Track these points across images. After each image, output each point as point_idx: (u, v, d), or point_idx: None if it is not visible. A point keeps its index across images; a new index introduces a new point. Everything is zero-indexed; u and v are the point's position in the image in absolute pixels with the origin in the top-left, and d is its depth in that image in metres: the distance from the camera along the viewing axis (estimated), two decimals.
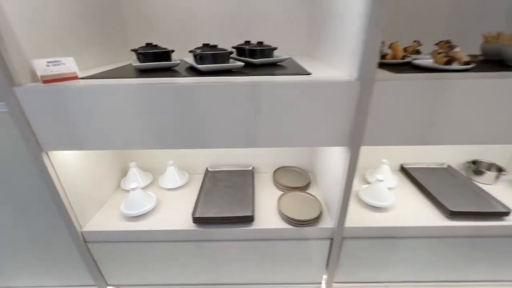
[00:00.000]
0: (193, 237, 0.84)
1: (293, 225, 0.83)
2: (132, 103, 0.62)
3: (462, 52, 0.71)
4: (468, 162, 1.08)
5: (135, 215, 0.87)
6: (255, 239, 0.84)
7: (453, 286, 0.95)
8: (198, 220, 0.83)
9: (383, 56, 0.84)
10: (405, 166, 1.11)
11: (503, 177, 1.03)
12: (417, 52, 0.94)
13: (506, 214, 0.83)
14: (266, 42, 0.85)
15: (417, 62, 0.75)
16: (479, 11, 0.99)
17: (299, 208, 0.87)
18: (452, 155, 1.13)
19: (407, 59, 0.81)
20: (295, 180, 1.02)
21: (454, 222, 0.83)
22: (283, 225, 0.84)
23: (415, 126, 0.65)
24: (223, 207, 0.88)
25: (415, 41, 1.00)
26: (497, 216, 0.84)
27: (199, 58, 0.75)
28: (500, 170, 1.04)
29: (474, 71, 0.69)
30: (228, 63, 0.76)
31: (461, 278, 0.93)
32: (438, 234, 0.84)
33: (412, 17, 1.02)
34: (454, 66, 0.70)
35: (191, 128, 0.65)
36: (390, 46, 0.86)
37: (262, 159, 1.14)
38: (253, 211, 0.86)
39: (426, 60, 0.76)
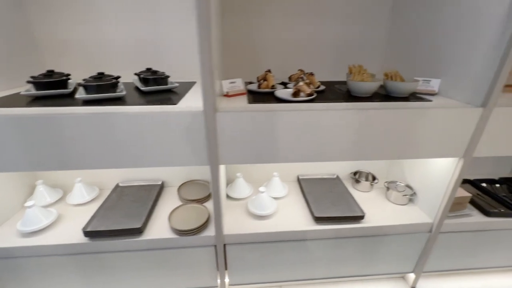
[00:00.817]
0: (82, 250, 0.90)
1: (178, 235, 0.93)
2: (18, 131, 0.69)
3: (305, 85, 0.86)
4: (351, 173, 1.26)
5: (30, 231, 0.92)
6: (144, 249, 0.93)
7: (331, 282, 1.10)
8: (88, 234, 0.90)
9: (259, 85, 0.98)
10: (300, 177, 1.26)
11: (376, 185, 1.21)
12: (302, 79, 1.09)
13: (361, 217, 0.99)
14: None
15: (276, 93, 0.89)
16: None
17: (189, 219, 0.97)
18: (343, 167, 1.30)
19: (275, 87, 0.96)
20: (196, 193, 1.13)
21: (318, 226, 0.98)
22: (171, 235, 0.93)
23: (258, 147, 0.78)
24: (117, 221, 0.96)
25: (299, 70, 1.16)
26: (354, 220, 0.99)
27: (84, 88, 0.83)
28: (374, 178, 1.22)
29: (316, 101, 0.84)
30: (115, 92, 0.86)
31: (335, 274, 1.08)
32: (306, 237, 0.98)
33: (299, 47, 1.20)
34: (300, 97, 0.85)
35: (63, 152, 0.73)
36: (265, 75, 1.01)
37: (174, 173, 1.23)
38: (144, 223, 0.94)
39: (283, 91, 0.91)
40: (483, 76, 0.77)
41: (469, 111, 0.79)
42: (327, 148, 0.80)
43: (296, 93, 0.85)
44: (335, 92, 0.98)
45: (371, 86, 0.88)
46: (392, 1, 1.18)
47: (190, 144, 0.76)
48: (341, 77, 1.09)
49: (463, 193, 1.03)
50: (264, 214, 1.01)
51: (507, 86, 0.99)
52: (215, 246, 0.95)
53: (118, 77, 1.00)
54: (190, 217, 0.99)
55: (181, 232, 0.92)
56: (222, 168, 0.85)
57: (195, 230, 0.92)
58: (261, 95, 0.92)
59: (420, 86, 0.95)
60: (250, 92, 0.96)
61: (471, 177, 1.28)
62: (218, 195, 0.84)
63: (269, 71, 1.13)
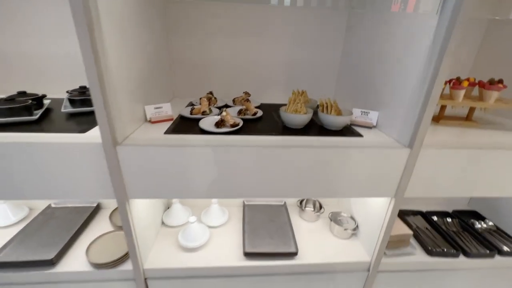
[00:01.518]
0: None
1: (95, 268, 0.87)
2: None
3: (228, 115, 0.81)
4: (298, 200, 1.21)
5: (194, 246, 0.96)
6: (56, 282, 0.87)
7: None
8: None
9: (192, 110, 0.93)
10: (246, 203, 1.20)
11: (322, 215, 1.16)
12: (247, 101, 1.05)
13: (294, 254, 0.94)
14: None
15: (200, 122, 0.83)
16: None
17: (112, 249, 0.91)
18: None
19: (207, 113, 0.91)
20: None
21: (247, 262, 0.92)
22: (87, 267, 0.87)
23: (168, 183, 0.72)
24: (33, 249, 0.89)
25: (245, 92, 1.12)
26: (287, 256, 0.94)
27: None
28: (321, 207, 1.17)
29: (241, 133, 0.79)
30: (31, 115, 0.81)
31: None
32: (234, 274, 0.92)
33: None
34: (225, 127, 0.80)
35: None
36: (200, 99, 0.96)
37: None
38: (59, 253, 0.88)
39: (208, 120, 0.86)
40: (410, 114, 0.72)
41: (396, 152, 0.74)
42: (244, 185, 0.75)
43: (220, 123, 0.80)
44: (270, 120, 0.93)
45: (302, 119, 0.83)
46: (345, 27, 1.15)
47: (95, 177, 0.70)
48: None
49: (405, 230, 0.98)
50: (193, 246, 0.95)
51: (445, 118, 0.96)
52: (134, 280, 0.89)
53: (43, 96, 0.95)
54: (113, 247, 0.92)
55: (97, 265, 0.86)
56: (135, 202, 0.80)
57: (111, 264, 0.86)
58: (190, 122, 0.87)
59: (359, 117, 0.90)
60: (181, 118, 0.91)
61: (425, 208, 1.23)
62: (130, 232, 0.78)
63: (210, 93, 1.08)
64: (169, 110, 0.88)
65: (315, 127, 0.87)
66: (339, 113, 0.87)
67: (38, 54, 1.07)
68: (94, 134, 0.71)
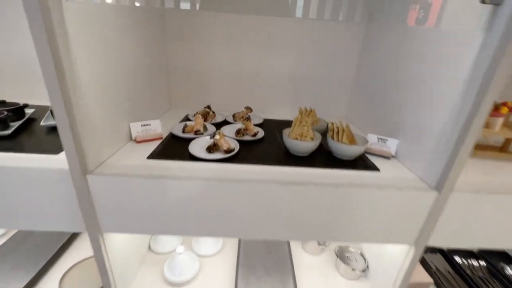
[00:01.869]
0: None
1: None
2: None
3: (222, 139, 0.70)
4: None
5: (180, 281, 0.85)
6: None
7: None
8: None
9: (184, 128, 0.83)
10: None
11: (328, 247, 1.03)
12: (245, 118, 0.94)
13: None
14: None
15: (190, 146, 0.73)
16: None
17: (91, 279, 0.82)
18: None
19: (201, 132, 0.81)
20: None
21: None
22: None
23: (146, 218, 0.62)
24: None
25: (246, 107, 1.01)
26: None
27: None
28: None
29: (236, 161, 0.68)
30: (3, 129, 0.73)
31: None
32: None
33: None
34: (216, 155, 0.69)
35: None
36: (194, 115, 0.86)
37: None
38: (29, 283, 0.79)
39: (199, 141, 0.75)
40: (440, 148, 0.60)
41: (421, 195, 0.61)
42: (236, 224, 0.63)
43: (212, 148, 0.70)
44: (273, 143, 0.82)
45: (308, 146, 0.71)
46: (362, 41, 1.03)
47: (64, 207, 0.61)
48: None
49: (424, 276, 0.84)
50: (179, 281, 0.84)
51: (475, 147, 0.82)
52: None
53: (24, 106, 0.87)
54: (92, 277, 0.83)
55: None
56: (111, 236, 0.70)
57: None
58: (180, 142, 0.76)
59: (375, 145, 0.78)
60: (172, 136, 0.81)
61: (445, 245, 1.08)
62: (104, 269, 0.68)
63: (208, 107, 0.98)
64: (158, 128, 0.78)
65: (323, 155, 0.75)
66: (352, 139, 0.75)
67: (26, 56, 1.00)
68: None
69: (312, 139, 0.74)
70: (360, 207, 0.62)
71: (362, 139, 0.75)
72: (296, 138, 0.74)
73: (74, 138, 0.52)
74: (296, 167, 0.67)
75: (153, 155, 0.68)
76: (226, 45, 1.03)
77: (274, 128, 0.96)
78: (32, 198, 0.60)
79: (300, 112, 0.91)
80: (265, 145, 0.80)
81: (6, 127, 0.74)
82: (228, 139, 0.77)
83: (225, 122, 0.97)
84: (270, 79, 1.09)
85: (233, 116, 1.00)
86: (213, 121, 0.96)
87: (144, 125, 0.76)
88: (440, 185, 0.59)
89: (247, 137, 0.83)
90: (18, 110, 0.83)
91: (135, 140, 0.75)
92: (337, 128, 0.76)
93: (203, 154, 0.69)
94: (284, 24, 1.01)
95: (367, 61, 1.00)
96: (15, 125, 0.77)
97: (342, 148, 0.71)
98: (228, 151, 0.69)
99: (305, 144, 0.71)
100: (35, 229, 0.64)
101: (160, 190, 0.59)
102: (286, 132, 0.77)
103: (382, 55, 0.89)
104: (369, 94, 0.96)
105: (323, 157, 0.75)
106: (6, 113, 0.76)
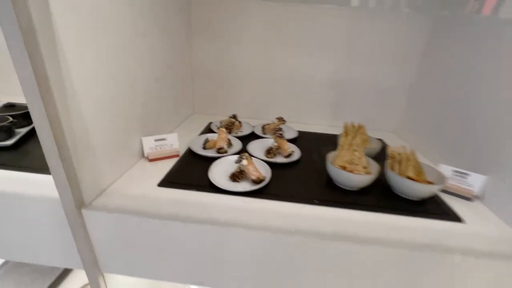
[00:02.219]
0: None
1: None
2: None
3: (250, 165, 0.55)
4: None
5: None
6: None
7: None
8: None
9: (205, 144, 0.70)
10: None
11: None
12: (277, 131, 0.79)
13: None
14: None
15: (210, 171, 0.58)
16: None
17: None
18: None
19: (224, 150, 0.67)
20: None
21: None
22: None
23: (151, 262, 0.50)
24: None
25: (278, 118, 0.86)
26: None
27: None
28: None
29: (263, 195, 0.54)
30: (6, 138, 0.65)
31: None
32: None
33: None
34: (243, 184, 0.55)
35: None
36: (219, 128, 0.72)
37: None
38: None
39: (223, 162, 0.61)
40: None
41: None
42: (261, 281, 0.49)
43: (237, 176, 0.56)
44: (311, 167, 0.66)
45: (360, 180, 0.55)
46: (426, 39, 0.82)
47: (57, 240, 0.51)
48: (341, 129, 0.77)
49: None
50: None
51: None
52: None
53: None
54: None
55: None
56: (113, 276, 0.59)
57: None
58: (200, 162, 0.64)
59: (450, 179, 0.59)
60: (191, 153, 0.68)
61: None
62: None
63: (234, 116, 0.84)
64: (175, 143, 0.66)
65: (378, 189, 0.58)
66: (420, 173, 0.56)
67: None
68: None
69: (365, 168, 0.57)
70: (436, 277, 0.44)
71: (434, 173, 0.57)
72: (344, 167, 0.57)
73: (65, 164, 0.41)
74: (345, 209, 0.51)
75: (166, 182, 0.55)
76: (258, 43, 0.88)
77: (311, 144, 0.79)
78: (23, 227, 0.51)
79: (346, 129, 0.74)
80: (301, 171, 0.64)
81: (10, 135, 0.66)
82: (257, 162, 0.62)
83: (253, 135, 0.83)
84: (307, 85, 0.92)
85: (263, 128, 0.85)
86: (239, 133, 0.82)
87: (159, 139, 0.64)
88: None
89: (280, 158, 0.68)
90: (27, 114, 0.75)
91: (147, 157, 0.63)
92: (400, 155, 0.58)
93: (226, 182, 0.55)
94: (326, 18, 0.83)
95: (432, 64, 0.80)
96: (21, 132, 0.69)
97: (408, 185, 0.53)
98: (257, 181, 0.54)
99: (357, 178, 0.54)
100: (26, 262, 0.55)
101: (169, 233, 0.46)
102: (330, 157, 0.60)
103: (456, 55, 0.69)
104: (436, 106, 0.76)
105: (378, 192, 0.57)
106: (11, 119, 0.68)
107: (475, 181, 0.57)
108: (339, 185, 0.58)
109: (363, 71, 0.89)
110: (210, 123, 0.90)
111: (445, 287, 0.44)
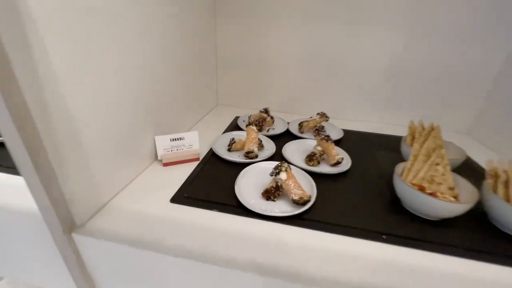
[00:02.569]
0: None
1: None
2: None
3: (293, 178, 0.41)
4: None
5: None
6: None
7: None
8: None
9: (230, 145, 0.57)
10: None
11: None
12: (319, 130, 0.64)
13: None
14: None
15: (236, 187, 0.45)
16: None
17: None
18: None
19: (255, 154, 0.53)
20: None
21: None
22: None
23: None
24: None
25: (320, 113, 0.70)
26: None
27: None
28: None
29: (308, 223, 0.40)
30: None
31: None
32: None
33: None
34: (281, 203, 0.41)
35: None
36: (247, 126, 0.58)
37: None
38: None
39: (252, 171, 0.47)
40: None
41: None
42: None
43: (273, 193, 0.42)
44: (366, 180, 0.50)
45: (447, 209, 0.38)
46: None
47: (47, 262, 0.41)
48: (399, 129, 0.60)
49: None
50: None
51: None
52: None
53: None
54: None
55: None
56: None
57: None
58: (224, 169, 0.51)
59: None
60: (214, 156, 0.56)
61: None
62: None
63: (265, 111, 0.70)
64: (194, 143, 0.54)
65: (471, 222, 0.41)
66: None
67: None
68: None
69: (451, 189, 0.41)
70: None
71: None
72: (422, 188, 0.41)
73: (42, 175, 0.30)
74: (422, 251, 0.35)
75: (180, 196, 0.43)
76: (295, 19, 0.72)
77: (362, 147, 0.63)
78: (12, 244, 0.42)
79: (412, 130, 0.57)
80: (355, 187, 0.49)
81: None
82: (298, 173, 0.48)
83: (288, 134, 0.68)
84: (355, 72, 0.75)
85: (300, 125, 0.70)
86: (271, 131, 0.68)
87: (175, 139, 0.52)
88: None
89: (325, 167, 0.53)
90: None
91: (161, 160, 0.52)
92: (506, 173, 0.41)
93: (258, 201, 0.42)
94: None
95: None
96: None
97: None
98: (299, 202, 0.40)
99: (445, 206, 0.38)
100: (21, 281, 0.47)
101: (181, 270, 0.34)
102: (398, 170, 0.44)
103: None
104: None
105: (472, 224, 0.41)
106: None
107: None
108: (412, 212, 0.42)
109: (431, 55, 0.69)
110: (237, 117, 0.77)
111: None
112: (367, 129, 0.74)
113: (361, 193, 0.47)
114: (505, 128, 0.65)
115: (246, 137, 0.56)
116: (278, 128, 0.70)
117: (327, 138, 0.53)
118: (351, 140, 0.68)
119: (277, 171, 0.41)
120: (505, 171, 0.41)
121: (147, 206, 0.41)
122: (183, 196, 0.43)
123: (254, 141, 0.54)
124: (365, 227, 0.39)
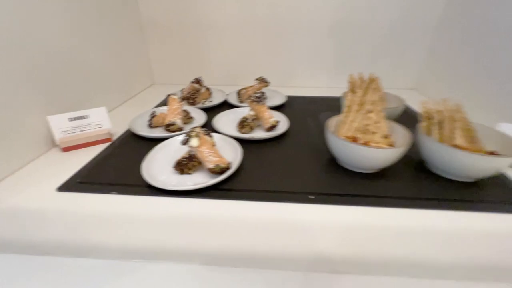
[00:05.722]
0: None
1: None
2: None
3: (206, 148, 0.35)
4: None
5: None
6: None
7: None
8: None
9: (151, 121, 0.49)
10: None
11: None
12: (259, 97, 0.58)
13: None
14: None
15: (144, 168, 0.39)
16: None
17: None
18: None
19: (177, 127, 0.46)
20: None
21: None
22: None
23: None
24: None
25: (258, 79, 0.64)
26: None
27: None
28: None
29: (234, 190, 0.34)
30: None
31: None
32: None
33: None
34: (195, 177, 0.35)
35: None
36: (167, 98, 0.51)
37: None
38: None
39: (171, 145, 0.41)
40: None
41: None
42: None
43: (185, 164, 0.35)
44: (304, 143, 0.45)
45: (379, 157, 0.34)
46: None
47: None
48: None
49: None
50: None
51: None
52: None
53: None
54: None
55: None
56: None
57: None
58: (142, 146, 0.43)
59: None
60: (132, 136, 0.47)
61: None
62: None
63: (196, 81, 0.62)
64: (104, 122, 0.45)
65: (407, 169, 0.38)
66: (473, 140, 0.36)
67: None
68: None
69: (386, 138, 0.37)
70: None
71: (497, 138, 0.36)
72: (354, 138, 0.37)
73: None
74: (358, 206, 0.31)
75: (72, 183, 0.35)
76: None
77: (305, 112, 0.58)
78: None
79: (352, 84, 0.52)
80: (291, 150, 0.44)
81: None
82: (223, 140, 0.42)
83: (226, 105, 0.61)
84: (298, 31, 0.69)
85: (238, 94, 0.63)
86: (207, 103, 0.61)
87: (76, 118, 0.43)
88: None
89: (259, 133, 0.47)
90: None
91: (59, 146, 0.43)
92: (439, 114, 0.37)
93: (170, 176, 0.35)
94: None
95: None
96: None
97: (457, 159, 0.33)
98: (217, 170, 0.34)
99: (376, 154, 0.34)
100: None
101: (67, 272, 0.27)
102: (331, 125, 0.40)
103: None
104: (479, 53, 0.53)
105: (408, 173, 0.37)
106: None
107: None
108: (347, 167, 0.38)
109: (373, 11, 0.65)
110: (169, 95, 0.68)
111: None
112: (314, 94, 0.70)
113: (296, 156, 0.42)
114: (448, 80, 0.63)
115: (168, 109, 0.49)
116: (216, 100, 0.63)
117: (257, 99, 0.47)
118: (295, 106, 0.62)
119: (187, 138, 0.35)
120: (439, 112, 0.38)
121: (27, 197, 0.32)
122: (76, 182, 0.35)
123: (176, 112, 0.47)
124: (295, 190, 0.34)
